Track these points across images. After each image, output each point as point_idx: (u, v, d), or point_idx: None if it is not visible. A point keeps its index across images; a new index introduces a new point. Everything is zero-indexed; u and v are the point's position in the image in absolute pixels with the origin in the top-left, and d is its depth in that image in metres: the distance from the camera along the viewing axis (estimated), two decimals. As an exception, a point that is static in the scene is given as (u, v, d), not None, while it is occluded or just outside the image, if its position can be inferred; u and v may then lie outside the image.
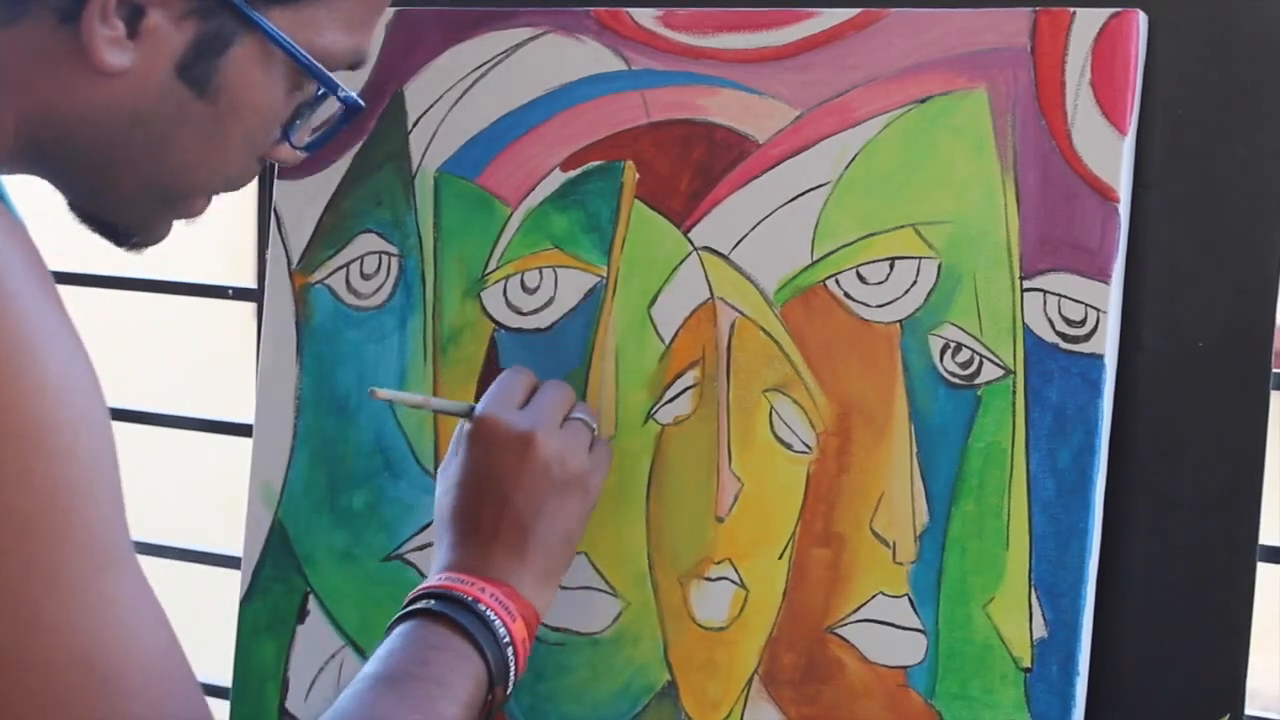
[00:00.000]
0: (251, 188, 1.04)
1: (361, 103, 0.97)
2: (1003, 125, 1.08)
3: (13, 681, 0.78)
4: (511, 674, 1.02)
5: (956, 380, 1.09)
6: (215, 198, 1.00)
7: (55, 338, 0.81)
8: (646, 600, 1.15)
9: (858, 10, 1.13)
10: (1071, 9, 1.07)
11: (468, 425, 1.09)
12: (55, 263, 1.63)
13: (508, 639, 1.02)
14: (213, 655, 1.51)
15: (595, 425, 1.12)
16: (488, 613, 1.02)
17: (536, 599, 1.05)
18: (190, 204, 0.98)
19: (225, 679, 1.29)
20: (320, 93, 0.97)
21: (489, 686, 1.01)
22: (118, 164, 0.93)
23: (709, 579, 1.14)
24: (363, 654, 1.22)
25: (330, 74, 0.95)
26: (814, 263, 1.12)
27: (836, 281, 1.12)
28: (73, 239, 1.01)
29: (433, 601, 1.02)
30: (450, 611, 1.01)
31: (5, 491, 0.77)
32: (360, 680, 0.98)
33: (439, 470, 1.11)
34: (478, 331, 1.21)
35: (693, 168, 1.16)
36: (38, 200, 0.95)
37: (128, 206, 0.96)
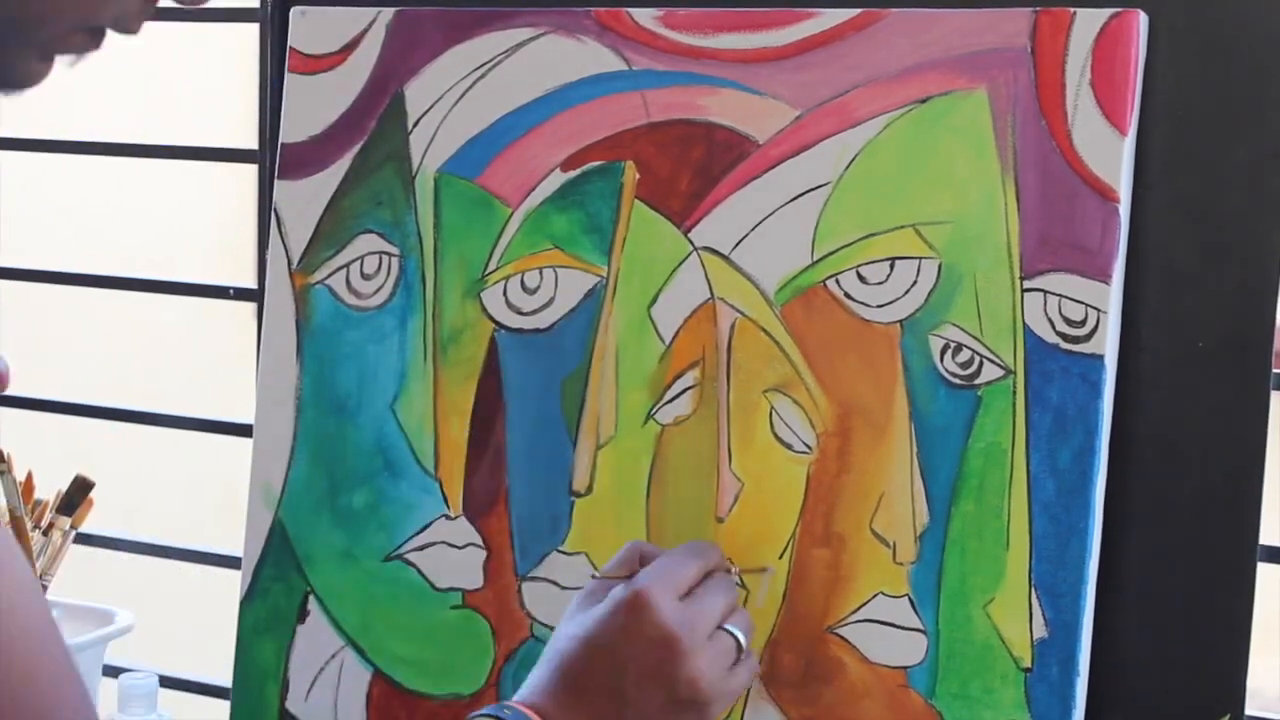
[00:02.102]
0: (252, 187, 1.03)
1: None
2: (1003, 125, 1.08)
3: None
4: None
5: (957, 380, 1.09)
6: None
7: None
8: (647, 600, 1.15)
9: (858, 10, 1.13)
10: (1071, 9, 1.07)
11: (623, 591, 1.02)
12: (56, 263, 1.64)
13: None
14: (213, 655, 1.51)
15: (746, 640, 1.05)
16: None
17: None
18: (50, 34, 0.83)
19: (225, 679, 1.29)
20: None
21: None
22: None
23: (709, 579, 1.14)
24: (363, 654, 1.22)
25: None
26: (814, 263, 1.12)
27: (837, 281, 1.12)
28: (74, 239, 1.00)
29: None
30: None
31: None
32: None
33: (578, 597, 1.06)
34: (478, 332, 1.21)
35: (693, 168, 1.16)
36: (39, 202, 0.94)
37: None
